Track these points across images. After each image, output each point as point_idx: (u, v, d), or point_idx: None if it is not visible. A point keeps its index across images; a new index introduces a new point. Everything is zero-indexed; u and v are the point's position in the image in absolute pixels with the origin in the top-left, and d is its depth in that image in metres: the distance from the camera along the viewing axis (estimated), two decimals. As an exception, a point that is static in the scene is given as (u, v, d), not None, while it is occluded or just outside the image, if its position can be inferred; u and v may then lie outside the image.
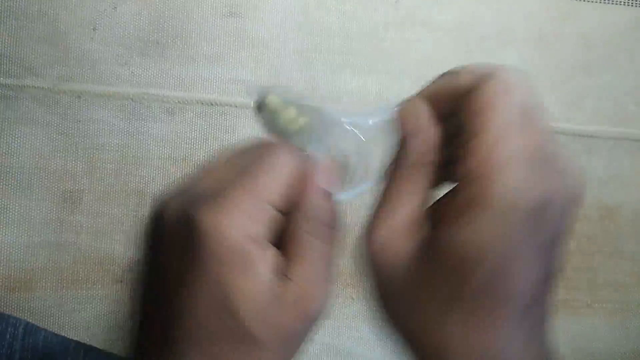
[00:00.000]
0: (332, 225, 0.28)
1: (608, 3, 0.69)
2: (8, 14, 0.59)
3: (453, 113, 0.27)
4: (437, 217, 0.26)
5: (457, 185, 0.25)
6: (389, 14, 0.65)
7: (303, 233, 0.27)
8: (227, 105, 0.62)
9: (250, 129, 0.62)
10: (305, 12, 0.64)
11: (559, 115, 0.67)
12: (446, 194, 0.27)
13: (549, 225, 0.24)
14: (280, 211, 0.27)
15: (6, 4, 0.59)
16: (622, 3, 0.69)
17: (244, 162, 0.27)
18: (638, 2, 0.70)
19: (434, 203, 0.28)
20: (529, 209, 0.23)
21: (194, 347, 0.25)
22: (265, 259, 0.26)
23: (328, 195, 0.28)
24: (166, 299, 0.26)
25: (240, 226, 0.25)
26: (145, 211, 0.59)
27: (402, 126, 0.28)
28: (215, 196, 0.25)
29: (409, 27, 0.65)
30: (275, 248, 0.27)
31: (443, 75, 0.29)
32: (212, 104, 0.61)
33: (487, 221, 0.23)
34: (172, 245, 0.27)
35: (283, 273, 0.26)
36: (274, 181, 0.26)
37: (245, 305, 0.25)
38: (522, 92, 0.26)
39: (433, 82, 0.30)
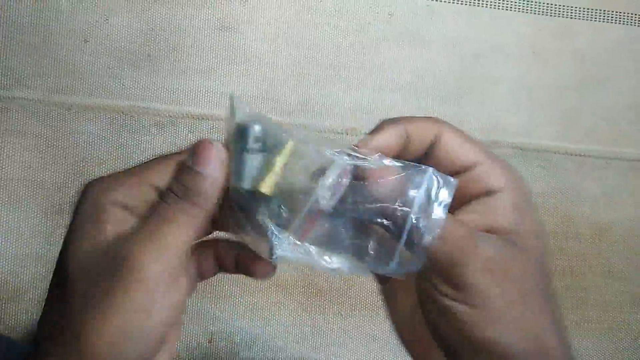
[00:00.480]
0: (197, 194, 0.28)
1: (602, 21, 0.69)
2: (-1, 24, 0.59)
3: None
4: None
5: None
6: (382, 30, 0.65)
7: (165, 193, 0.28)
8: (218, 119, 0.61)
9: (241, 143, 0.61)
10: (298, 27, 0.64)
11: (553, 134, 0.67)
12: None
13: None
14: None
15: (-2, 14, 0.59)
16: (616, 21, 0.69)
17: None
18: (631, 20, 0.69)
19: None
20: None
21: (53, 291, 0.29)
22: (116, 218, 0.28)
23: (205, 175, 0.28)
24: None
25: (107, 193, 0.28)
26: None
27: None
28: (111, 174, 0.29)
29: (402, 42, 0.65)
30: (135, 216, 0.28)
31: (389, 124, 0.30)
32: (203, 118, 0.61)
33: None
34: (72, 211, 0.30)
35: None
36: (156, 167, 0.29)
37: (74, 248, 0.28)
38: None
39: (381, 130, 0.29)
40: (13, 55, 0.59)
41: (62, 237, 0.58)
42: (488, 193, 0.29)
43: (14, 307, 0.57)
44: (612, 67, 0.69)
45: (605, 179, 0.67)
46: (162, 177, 0.28)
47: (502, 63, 0.67)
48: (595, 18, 0.69)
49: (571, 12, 0.68)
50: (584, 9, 0.69)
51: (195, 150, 0.28)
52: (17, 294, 0.57)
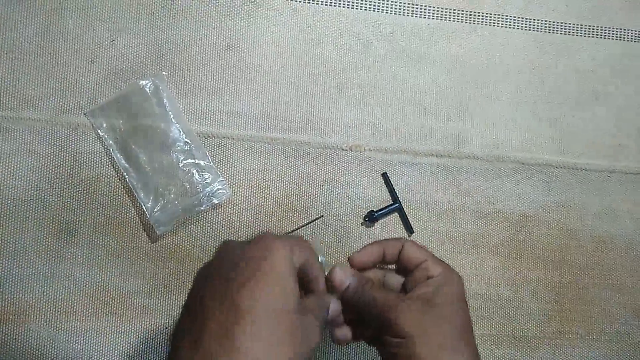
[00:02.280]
0: (320, 319, 0.42)
1: (600, 37, 0.70)
2: (6, 45, 0.60)
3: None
4: None
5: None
6: (384, 48, 0.66)
7: (317, 294, 0.45)
8: (224, 137, 0.62)
9: (244, 161, 0.62)
10: (302, 45, 0.65)
11: (553, 149, 0.68)
12: None
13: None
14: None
15: (5, 35, 0.60)
16: (614, 37, 0.70)
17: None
18: (629, 36, 0.71)
19: None
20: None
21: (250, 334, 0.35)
22: (295, 285, 0.39)
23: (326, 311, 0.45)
24: (229, 299, 0.36)
25: (288, 250, 0.39)
26: (140, 242, 0.59)
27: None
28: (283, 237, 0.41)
29: (404, 60, 0.66)
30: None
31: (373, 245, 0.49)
32: (209, 137, 0.62)
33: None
34: (243, 258, 0.38)
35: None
36: (303, 254, 0.42)
37: (288, 299, 0.38)
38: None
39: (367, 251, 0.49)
40: (20, 76, 0.60)
41: (69, 258, 0.58)
42: (429, 277, 0.45)
43: (19, 327, 0.57)
44: (611, 83, 0.70)
45: (606, 192, 0.68)
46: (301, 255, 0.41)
47: (502, 79, 0.68)
48: (594, 34, 0.70)
49: (569, 29, 0.70)
50: (582, 25, 0.70)
51: (334, 286, 0.46)
52: (23, 314, 0.57)
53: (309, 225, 0.62)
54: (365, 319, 0.46)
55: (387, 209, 0.63)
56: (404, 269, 0.48)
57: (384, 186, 0.64)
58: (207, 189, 0.59)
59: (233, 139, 0.62)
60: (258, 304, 0.35)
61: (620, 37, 0.70)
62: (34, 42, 0.60)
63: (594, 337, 0.66)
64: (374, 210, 0.63)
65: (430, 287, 0.44)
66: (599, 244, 0.67)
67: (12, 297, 0.57)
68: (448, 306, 0.43)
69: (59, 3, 0.61)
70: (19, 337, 0.57)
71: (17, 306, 0.57)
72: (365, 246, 0.48)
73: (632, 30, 0.71)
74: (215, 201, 0.59)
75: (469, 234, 0.65)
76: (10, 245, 0.58)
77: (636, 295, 0.67)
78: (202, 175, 0.60)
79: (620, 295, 0.67)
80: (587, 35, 0.70)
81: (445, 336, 0.42)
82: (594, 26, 0.70)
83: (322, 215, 0.62)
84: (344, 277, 0.46)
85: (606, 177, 0.68)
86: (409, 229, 0.64)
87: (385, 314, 0.43)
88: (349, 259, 0.48)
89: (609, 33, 0.70)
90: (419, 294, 0.44)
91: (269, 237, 0.39)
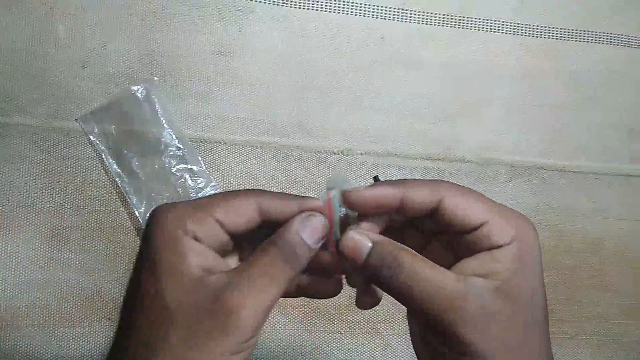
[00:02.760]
0: (292, 260, 0.31)
1: (589, 42, 0.71)
2: (-3, 52, 0.60)
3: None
4: None
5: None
6: (376, 53, 0.66)
7: (265, 247, 0.31)
8: (216, 142, 0.62)
9: (236, 165, 0.62)
10: (292, 50, 0.65)
11: (543, 152, 0.68)
12: None
13: None
14: (232, 234, 0.32)
15: (-5, 42, 0.60)
16: (602, 42, 0.71)
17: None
18: (618, 40, 0.71)
19: None
20: None
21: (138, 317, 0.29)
22: (196, 250, 0.30)
23: (301, 239, 0.32)
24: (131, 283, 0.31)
25: (180, 223, 0.30)
26: (133, 247, 0.60)
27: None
28: (178, 203, 0.31)
29: (395, 65, 0.67)
30: (217, 254, 0.31)
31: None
32: (201, 141, 0.62)
33: None
34: (142, 237, 0.32)
35: (212, 271, 0.30)
36: (225, 210, 0.31)
37: (168, 281, 0.29)
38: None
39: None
40: (11, 81, 0.60)
41: (62, 263, 0.58)
42: (493, 247, 0.30)
43: (12, 334, 0.57)
44: (600, 87, 0.71)
45: (595, 193, 0.69)
46: (227, 215, 0.31)
47: (493, 84, 0.68)
48: (583, 39, 0.71)
49: (559, 34, 0.70)
50: (571, 30, 0.71)
51: (306, 222, 0.31)
52: (16, 320, 0.57)
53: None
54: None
55: (378, 212, 0.64)
56: (446, 229, 0.32)
57: (376, 189, 0.65)
58: (199, 194, 0.60)
59: (225, 143, 0.62)
60: (146, 298, 0.29)
61: (609, 42, 0.71)
62: (24, 47, 0.60)
63: (584, 337, 0.66)
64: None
65: (499, 264, 0.29)
66: (588, 244, 0.68)
67: (5, 302, 0.57)
68: (530, 297, 0.29)
69: (50, 8, 0.61)
70: (12, 343, 0.57)
71: (9, 312, 0.57)
72: (381, 182, 0.32)
73: (621, 35, 0.72)
74: (208, 206, 0.60)
75: (460, 236, 0.66)
76: (3, 252, 0.58)
77: (625, 296, 0.68)
78: (195, 180, 0.60)
79: (610, 296, 0.68)
80: (576, 40, 0.71)
81: (532, 351, 0.30)
82: (583, 31, 0.71)
83: (315, 219, 0.63)
84: (362, 243, 0.31)
85: (595, 179, 0.69)
86: (401, 232, 0.64)
87: (435, 314, 0.29)
88: (346, 196, 0.32)
89: (598, 38, 0.71)
90: (481, 281, 0.29)
91: (156, 209, 0.31)
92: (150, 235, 0.30)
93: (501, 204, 0.32)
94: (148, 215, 0.32)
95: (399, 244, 0.32)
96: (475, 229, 0.30)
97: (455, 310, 0.28)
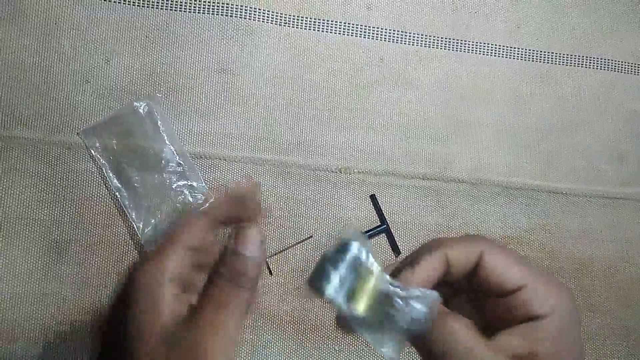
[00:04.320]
0: (247, 279, 0.32)
1: (582, 67, 0.73)
2: (1, 64, 0.60)
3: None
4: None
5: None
6: (374, 73, 0.68)
7: (215, 276, 0.32)
8: (216, 158, 0.63)
9: (237, 180, 0.63)
10: (294, 70, 0.66)
11: (536, 173, 0.70)
12: None
13: None
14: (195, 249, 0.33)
15: (0, 54, 0.60)
16: (595, 67, 0.73)
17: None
18: (609, 66, 0.73)
19: None
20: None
21: None
22: (164, 300, 0.30)
23: (248, 257, 0.32)
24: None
25: (153, 272, 0.30)
26: (131, 261, 0.60)
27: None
28: (153, 252, 0.32)
29: (392, 85, 0.68)
30: (180, 290, 0.32)
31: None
32: (201, 157, 0.63)
33: None
34: (121, 293, 0.32)
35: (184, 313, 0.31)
36: (189, 232, 0.32)
37: (137, 339, 0.29)
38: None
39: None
40: (14, 95, 0.60)
41: (60, 276, 0.58)
42: (533, 318, 0.28)
43: (8, 347, 0.57)
44: (591, 111, 0.72)
45: (586, 215, 0.70)
46: (192, 237, 0.32)
47: (486, 106, 0.70)
48: (576, 64, 0.73)
49: (553, 58, 0.72)
50: (564, 55, 0.73)
51: (237, 236, 0.32)
52: (13, 333, 0.57)
53: (299, 245, 0.63)
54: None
55: (375, 230, 0.65)
56: (480, 289, 0.30)
57: (372, 208, 0.66)
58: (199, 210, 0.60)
59: (225, 160, 0.63)
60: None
61: (602, 67, 0.73)
62: (28, 61, 0.61)
63: (574, 356, 0.68)
64: (363, 231, 0.64)
65: (542, 342, 0.28)
66: (579, 265, 0.69)
67: (1, 315, 0.57)
68: None
69: (55, 23, 0.62)
70: (7, 356, 0.57)
71: (6, 324, 0.57)
72: (421, 249, 0.31)
73: (612, 61, 0.74)
74: (207, 222, 0.60)
75: (454, 256, 0.67)
76: (0, 263, 0.58)
77: (615, 316, 0.69)
78: (195, 196, 0.61)
79: (600, 316, 0.69)
80: (569, 64, 0.73)
81: None
82: (576, 56, 0.73)
83: (312, 236, 0.64)
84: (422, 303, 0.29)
85: (586, 201, 0.71)
86: (396, 250, 0.65)
87: None
88: (401, 278, 0.30)
89: (590, 63, 0.73)
90: (521, 347, 0.28)
91: (133, 271, 0.32)
92: (129, 288, 0.31)
93: (541, 268, 0.31)
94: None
95: (444, 308, 0.30)
96: (513, 291, 0.29)
97: None
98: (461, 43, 0.70)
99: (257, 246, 0.32)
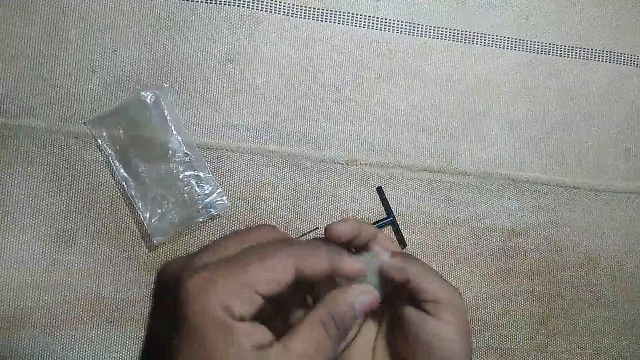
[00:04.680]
0: (341, 331, 0.32)
1: (590, 59, 0.72)
2: (7, 53, 0.60)
3: None
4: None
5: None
6: (381, 65, 0.67)
7: (315, 316, 0.31)
8: (223, 149, 0.63)
9: (243, 172, 0.63)
10: (300, 60, 0.66)
11: (543, 167, 0.69)
12: None
13: None
14: (267, 298, 0.30)
15: (6, 43, 0.60)
16: (604, 60, 0.73)
17: (246, 243, 0.31)
18: (618, 59, 0.73)
19: None
20: None
21: None
22: (245, 331, 0.28)
23: (353, 311, 0.33)
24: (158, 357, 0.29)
25: (221, 302, 0.28)
26: (137, 251, 0.60)
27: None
28: (209, 269, 0.29)
29: (400, 78, 0.68)
30: (261, 325, 0.30)
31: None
32: (208, 148, 0.62)
33: None
34: (163, 305, 0.30)
35: (266, 347, 0.29)
36: (262, 274, 0.29)
37: None
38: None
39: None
40: (21, 84, 0.60)
41: (67, 266, 0.58)
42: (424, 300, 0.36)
43: (15, 335, 0.57)
44: (600, 104, 0.72)
45: (593, 210, 0.70)
46: (267, 283, 0.29)
47: (494, 99, 0.70)
48: (584, 56, 0.72)
49: (561, 50, 0.72)
50: (573, 47, 0.72)
51: (362, 297, 0.34)
52: (20, 321, 0.57)
53: (305, 236, 0.63)
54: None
55: (381, 222, 0.65)
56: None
57: (379, 200, 0.66)
58: (206, 200, 0.60)
59: (232, 150, 0.63)
60: None
61: (610, 60, 0.73)
62: (35, 51, 0.61)
63: (579, 350, 0.68)
64: (369, 223, 0.64)
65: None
66: (585, 260, 0.69)
67: (8, 304, 0.58)
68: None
69: (62, 12, 0.61)
70: (15, 345, 0.57)
71: (13, 313, 0.58)
72: (343, 220, 0.36)
73: (621, 54, 0.73)
74: (214, 212, 0.60)
75: (460, 248, 0.67)
76: (7, 253, 0.58)
77: (620, 311, 0.69)
78: (202, 187, 0.61)
79: (605, 311, 0.69)
80: (578, 57, 0.72)
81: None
82: (584, 48, 0.72)
83: (318, 227, 0.64)
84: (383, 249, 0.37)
85: (594, 195, 0.70)
86: (402, 242, 0.65)
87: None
88: (327, 230, 0.36)
89: (599, 56, 0.73)
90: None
91: (184, 284, 0.28)
92: (192, 320, 0.28)
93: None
94: (180, 286, 0.28)
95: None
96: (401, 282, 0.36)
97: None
98: (469, 35, 0.70)
99: (367, 312, 0.34)
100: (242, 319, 0.28)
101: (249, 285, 0.28)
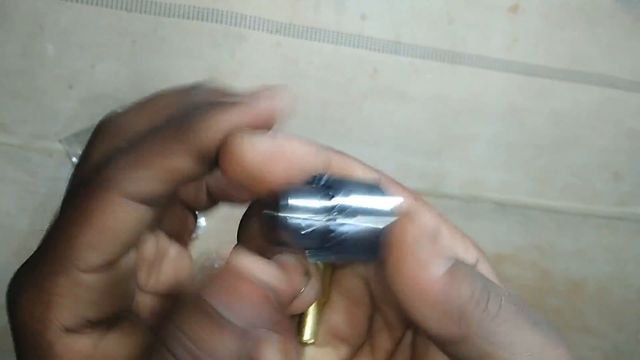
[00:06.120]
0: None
1: (579, 82, 0.71)
2: (-18, 68, 0.59)
3: None
4: None
5: None
6: (367, 84, 0.66)
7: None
8: (202, 169, 0.61)
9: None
10: (284, 79, 0.65)
11: (530, 191, 0.68)
12: None
13: None
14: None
15: (-19, 57, 0.59)
16: (593, 83, 0.72)
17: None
18: (606, 82, 0.72)
19: None
20: None
21: None
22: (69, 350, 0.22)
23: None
24: None
25: (45, 314, 0.22)
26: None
27: None
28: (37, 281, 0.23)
29: (386, 97, 0.67)
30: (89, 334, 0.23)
31: None
32: (186, 167, 0.61)
33: None
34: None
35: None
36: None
37: None
38: None
39: None
40: (-5, 99, 0.58)
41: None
42: None
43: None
44: (587, 127, 0.71)
45: (581, 235, 0.69)
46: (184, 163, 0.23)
47: (481, 120, 0.68)
48: (572, 79, 0.71)
49: (549, 73, 0.71)
50: (561, 70, 0.71)
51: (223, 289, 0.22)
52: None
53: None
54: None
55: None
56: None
57: (362, 222, 0.64)
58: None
59: (211, 170, 0.61)
60: None
61: (599, 83, 0.72)
62: (11, 65, 0.59)
63: (565, 379, 0.66)
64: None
65: None
66: (572, 286, 0.68)
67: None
68: None
69: (40, 27, 0.60)
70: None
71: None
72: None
73: (610, 77, 0.72)
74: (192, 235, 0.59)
75: (445, 273, 0.65)
76: (-23, 272, 0.56)
77: (607, 338, 0.68)
78: (178, 208, 0.59)
79: (592, 338, 0.67)
80: (566, 80, 0.71)
81: None
82: (574, 71, 0.71)
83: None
84: None
85: (581, 220, 0.69)
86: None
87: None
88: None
89: (588, 79, 0.72)
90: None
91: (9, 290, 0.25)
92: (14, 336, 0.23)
93: None
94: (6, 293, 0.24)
95: None
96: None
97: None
98: (457, 56, 0.69)
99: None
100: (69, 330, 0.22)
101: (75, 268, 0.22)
